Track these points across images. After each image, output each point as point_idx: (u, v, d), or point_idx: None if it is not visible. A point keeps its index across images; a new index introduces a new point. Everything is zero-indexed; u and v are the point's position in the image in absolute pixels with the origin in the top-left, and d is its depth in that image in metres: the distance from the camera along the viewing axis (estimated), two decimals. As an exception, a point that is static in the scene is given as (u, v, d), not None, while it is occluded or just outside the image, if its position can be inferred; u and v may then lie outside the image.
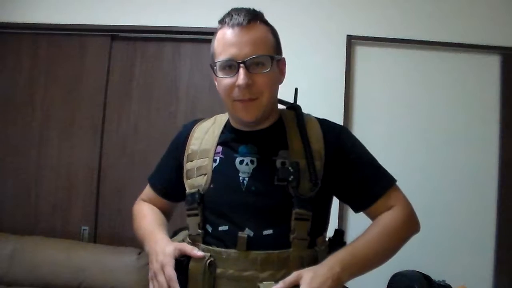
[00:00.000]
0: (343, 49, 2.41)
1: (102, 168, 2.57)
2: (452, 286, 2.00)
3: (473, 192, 2.36)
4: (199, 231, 0.99)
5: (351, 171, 1.00)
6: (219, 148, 1.03)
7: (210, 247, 0.96)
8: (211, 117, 1.13)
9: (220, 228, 0.97)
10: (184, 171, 1.05)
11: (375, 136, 2.32)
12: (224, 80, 0.96)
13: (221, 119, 1.10)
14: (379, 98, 2.42)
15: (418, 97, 2.42)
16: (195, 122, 1.13)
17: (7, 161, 2.62)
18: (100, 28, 2.58)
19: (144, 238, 1.06)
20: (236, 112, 0.98)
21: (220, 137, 1.05)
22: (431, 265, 2.10)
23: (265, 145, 1.00)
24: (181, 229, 1.13)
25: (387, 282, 2.05)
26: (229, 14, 0.97)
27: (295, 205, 0.93)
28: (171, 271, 0.91)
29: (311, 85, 2.27)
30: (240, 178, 0.98)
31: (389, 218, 0.98)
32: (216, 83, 1.02)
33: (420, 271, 2.03)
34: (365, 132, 2.28)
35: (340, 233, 1.05)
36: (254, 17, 0.96)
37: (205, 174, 1.00)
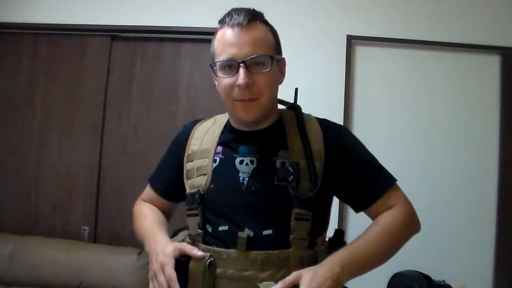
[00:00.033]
0: (343, 49, 2.41)
1: (102, 168, 2.57)
2: (452, 286, 2.00)
3: (473, 192, 2.36)
4: (199, 231, 0.99)
5: (351, 171, 1.00)
6: (219, 148, 1.03)
7: (210, 247, 0.96)
8: (211, 117, 1.14)
9: (220, 228, 0.97)
10: (184, 171, 1.06)
11: (375, 136, 2.32)
12: (224, 80, 0.96)
13: (221, 119, 1.10)
14: (379, 98, 2.42)
15: (418, 97, 2.42)
16: (195, 123, 1.13)
17: (7, 161, 2.62)
18: (100, 28, 2.58)
19: (144, 238, 1.06)
20: (236, 112, 0.98)
21: (220, 137, 1.05)
22: (431, 265, 2.10)
23: (265, 145, 1.00)
24: (181, 229, 1.13)
25: (387, 282, 2.05)
26: (229, 14, 0.97)
27: (295, 205, 0.93)
28: (171, 271, 0.91)
29: (311, 85, 2.27)
30: (240, 178, 0.98)
31: (389, 217, 0.98)
32: (216, 83, 1.02)
33: (420, 271, 2.03)
34: (365, 132, 2.28)
35: (340, 233, 1.05)
36: (254, 17, 0.96)
37: (205, 174, 1.01)
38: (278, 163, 0.95)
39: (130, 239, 2.34)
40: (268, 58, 0.95)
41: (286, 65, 1.05)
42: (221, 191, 0.98)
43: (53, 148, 2.60)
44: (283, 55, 1.03)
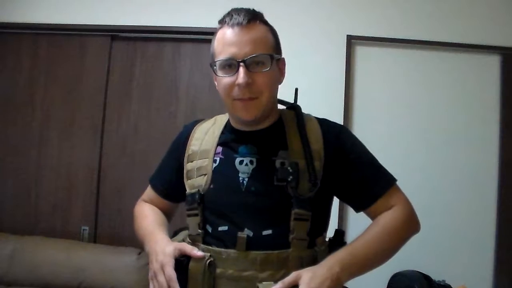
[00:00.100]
0: (343, 49, 2.41)
1: (102, 168, 2.58)
2: (452, 286, 2.00)
3: (473, 192, 2.36)
4: (199, 231, 0.99)
5: (351, 171, 1.00)
6: (219, 149, 1.03)
7: (210, 247, 0.96)
8: (211, 118, 1.14)
9: (220, 228, 0.97)
10: (185, 171, 1.06)
11: (375, 136, 2.32)
12: (224, 79, 0.96)
13: (221, 119, 1.10)
14: (379, 98, 2.42)
15: (418, 97, 2.42)
16: (195, 123, 1.13)
17: (7, 161, 2.62)
18: (100, 28, 2.58)
19: (145, 238, 1.06)
20: (236, 111, 0.98)
21: (220, 137, 1.05)
22: (431, 265, 2.10)
23: (264, 146, 1.00)
24: (181, 229, 1.13)
25: (387, 282, 2.05)
26: (229, 14, 0.97)
27: (294, 205, 0.93)
28: (171, 271, 0.91)
29: (311, 85, 2.27)
30: (240, 178, 0.98)
31: (389, 217, 0.98)
32: (216, 83, 1.03)
33: (420, 271, 2.03)
34: (365, 132, 2.28)
35: (340, 234, 1.05)
36: (254, 17, 0.97)
37: (205, 175, 1.01)
38: (277, 163, 0.95)
39: (130, 239, 2.34)
40: (268, 57, 0.96)
41: (286, 65, 1.06)
42: (221, 191, 0.99)
43: (53, 148, 2.60)
44: (283, 55, 1.04)
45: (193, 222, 1.00)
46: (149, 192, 1.20)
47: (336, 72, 2.40)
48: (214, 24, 1.02)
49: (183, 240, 1.04)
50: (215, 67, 0.97)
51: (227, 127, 1.07)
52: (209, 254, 0.94)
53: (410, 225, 1.00)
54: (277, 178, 0.94)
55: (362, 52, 2.44)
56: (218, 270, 0.93)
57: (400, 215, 0.98)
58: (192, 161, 1.05)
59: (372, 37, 2.41)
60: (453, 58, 2.42)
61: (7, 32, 2.66)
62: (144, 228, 1.09)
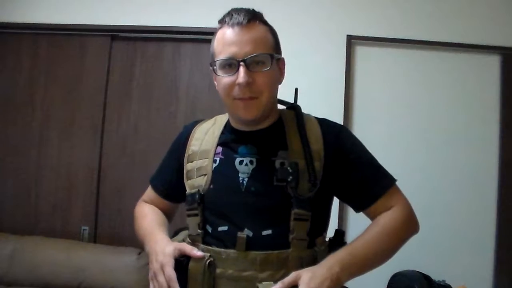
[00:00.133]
0: (343, 49, 2.41)
1: (102, 168, 2.58)
2: (452, 286, 2.00)
3: (473, 192, 2.36)
4: (199, 231, 0.99)
5: (351, 171, 1.00)
6: (219, 149, 1.03)
7: (209, 247, 0.96)
8: (211, 118, 1.14)
9: (220, 228, 0.97)
10: (185, 171, 1.06)
11: (375, 136, 2.32)
12: (224, 79, 0.96)
13: (221, 119, 1.10)
14: (379, 98, 2.42)
15: (418, 97, 2.42)
16: (195, 123, 1.13)
17: (7, 161, 2.62)
18: (100, 28, 2.58)
19: (145, 238, 1.07)
20: (236, 111, 0.98)
21: (220, 137, 1.05)
22: (431, 265, 2.10)
23: (264, 146, 1.00)
24: (181, 229, 1.13)
25: (387, 282, 2.05)
26: (229, 13, 0.97)
27: (294, 205, 0.93)
28: (170, 271, 0.91)
29: (311, 85, 2.27)
30: (240, 178, 0.98)
31: (388, 218, 0.98)
32: (216, 83, 1.03)
33: (420, 271, 2.03)
34: (365, 132, 2.28)
35: (340, 234, 1.05)
36: (254, 16, 0.97)
37: (205, 175, 1.01)
38: (277, 164, 0.95)
39: (130, 239, 2.34)
40: (268, 57, 0.96)
41: (286, 65, 1.06)
42: (221, 192, 0.99)
43: (53, 148, 2.60)
44: (283, 55, 1.04)
45: (193, 222, 1.00)
46: (149, 192, 1.20)
47: (336, 72, 2.40)
48: (214, 24, 1.02)
49: (183, 240, 1.04)
50: (215, 66, 0.97)
51: (227, 127, 1.07)
52: (209, 254, 0.94)
53: (409, 225, 1.01)
54: (277, 178, 0.94)
55: (362, 52, 2.44)
56: (218, 270, 0.93)
57: (399, 215, 0.98)
58: (192, 161, 1.05)
59: (372, 37, 2.41)
60: (453, 58, 2.42)
61: (7, 32, 2.66)
62: (144, 228, 1.10)
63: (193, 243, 1.00)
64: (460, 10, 2.42)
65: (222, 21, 0.98)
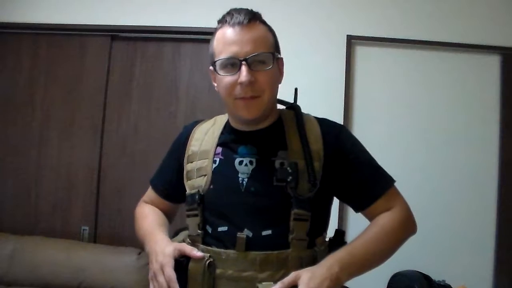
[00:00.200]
0: (343, 49, 2.41)
1: (102, 168, 2.58)
2: (452, 286, 2.00)
3: (473, 192, 2.36)
4: (199, 231, 0.99)
5: (350, 172, 1.00)
6: (219, 149, 1.03)
7: (209, 248, 0.96)
8: (211, 118, 1.14)
9: (220, 229, 0.97)
10: (185, 172, 1.06)
11: (375, 136, 2.32)
12: (225, 78, 0.96)
13: (221, 120, 1.10)
14: (379, 98, 2.42)
15: (418, 97, 2.42)
16: (195, 123, 1.13)
17: (7, 161, 2.62)
18: (100, 28, 2.58)
19: (145, 238, 1.07)
20: (237, 110, 0.98)
21: (219, 138, 1.05)
22: (431, 265, 2.10)
23: (264, 146, 1.00)
24: (181, 230, 1.13)
25: (387, 282, 2.05)
26: (229, 13, 0.97)
27: (293, 205, 0.93)
28: (170, 272, 0.91)
29: (311, 85, 2.27)
30: (240, 178, 0.98)
31: (387, 218, 0.98)
32: (215, 84, 1.03)
33: (420, 271, 2.03)
34: (365, 132, 2.28)
35: (340, 234, 1.05)
36: (254, 16, 0.97)
37: (205, 175, 1.01)
38: (277, 164, 0.95)
39: (130, 239, 2.34)
40: (270, 56, 0.96)
41: (286, 65, 1.06)
42: (221, 192, 0.99)
43: (53, 148, 2.60)
44: (283, 55, 1.04)
45: (193, 223, 1.00)
46: (149, 193, 1.20)
47: (336, 72, 2.40)
48: (214, 24, 1.02)
49: (183, 241, 1.04)
50: (215, 66, 0.97)
51: (227, 127, 1.07)
52: (208, 254, 0.94)
53: (407, 226, 1.01)
54: (277, 179, 0.94)
55: (362, 52, 2.44)
56: (218, 271, 0.93)
57: (398, 216, 0.99)
58: (192, 162, 1.05)
59: (372, 37, 2.41)
60: (453, 58, 2.42)
61: (7, 32, 2.66)
62: (145, 228, 1.10)
63: (193, 243, 1.00)
64: (460, 10, 2.42)
65: (222, 21, 0.98)
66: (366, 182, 1.00)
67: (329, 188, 1.00)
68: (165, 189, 1.16)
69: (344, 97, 2.39)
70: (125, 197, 2.51)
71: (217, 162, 1.01)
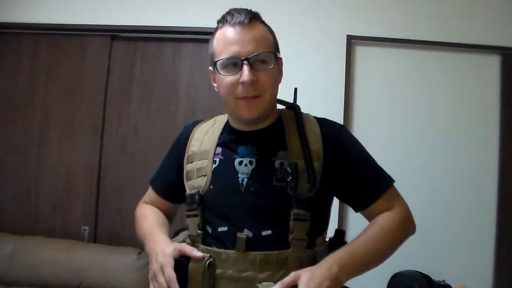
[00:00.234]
0: (343, 49, 2.41)
1: (102, 168, 2.58)
2: (452, 286, 2.00)
3: (473, 192, 2.36)
4: (199, 231, 0.99)
5: (350, 172, 1.00)
6: (219, 149, 1.03)
7: (209, 248, 0.96)
8: (211, 118, 1.14)
9: (220, 229, 0.97)
10: (184, 172, 1.06)
11: (375, 136, 2.32)
12: (227, 78, 0.96)
13: (221, 120, 1.10)
14: (379, 98, 2.42)
15: (418, 97, 2.42)
16: (195, 124, 1.13)
17: (7, 161, 2.62)
18: (100, 28, 2.58)
19: (145, 238, 1.07)
20: (239, 110, 0.98)
21: (219, 138, 1.05)
22: (431, 265, 2.10)
23: (264, 146, 1.00)
24: (182, 230, 1.14)
25: (387, 282, 2.05)
26: (230, 13, 0.98)
27: (293, 205, 0.93)
28: (170, 272, 0.91)
29: (311, 85, 2.27)
30: (239, 179, 0.98)
31: (386, 218, 0.98)
32: (215, 84, 1.03)
33: (420, 271, 2.03)
34: (365, 132, 2.28)
35: (340, 233, 1.05)
36: (254, 16, 0.97)
37: (204, 176, 1.01)
38: (277, 164, 0.95)
39: (130, 239, 2.34)
40: (271, 56, 0.96)
41: (286, 65, 1.06)
42: (221, 192, 0.99)
43: (53, 148, 2.60)
44: (283, 55, 1.04)
45: (193, 223, 1.00)
46: (150, 193, 1.20)
47: (336, 72, 2.40)
48: (213, 24, 1.02)
49: (183, 241, 1.04)
50: (215, 67, 0.97)
51: (226, 127, 1.07)
52: (208, 254, 0.94)
53: (407, 226, 1.01)
54: (277, 179, 0.94)
55: (362, 52, 2.44)
56: (218, 271, 0.93)
57: (397, 216, 0.99)
58: (191, 162, 1.05)
59: (372, 37, 2.41)
60: (453, 58, 2.42)
61: (7, 32, 2.66)
62: (145, 229, 1.10)
63: (193, 243, 1.00)
64: (460, 10, 2.42)
65: (222, 21, 0.98)
66: (365, 182, 1.00)
67: (329, 188, 1.00)
68: (165, 189, 1.16)
69: (344, 97, 2.39)
70: (125, 197, 2.51)
71: (217, 162, 1.01)
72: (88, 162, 2.57)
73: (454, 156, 2.38)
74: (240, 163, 0.99)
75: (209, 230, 0.98)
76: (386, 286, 2.05)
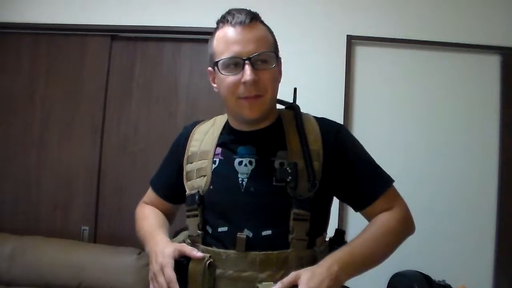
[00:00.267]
0: (343, 49, 2.41)
1: (102, 168, 2.57)
2: (452, 286, 2.00)
3: (473, 192, 2.36)
4: (199, 232, 0.99)
5: (350, 172, 1.00)
6: (218, 150, 1.03)
7: (209, 248, 0.96)
8: (210, 119, 1.14)
9: (220, 229, 0.97)
10: (184, 172, 1.06)
11: (375, 136, 2.32)
12: (228, 78, 0.95)
13: (221, 120, 1.10)
14: (379, 98, 2.42)
15: (418, 97, 2.41)
16: (195, 124, 1.13)
17: (7, 161, 2.62)
18: (100, 28, 2.58)
19: (145, 239, 1.07)
20: (240, 109, 0.98)
21: (219, 138, 1.05)
22: (431, 265, 2.10)
23: (263, 146, 1.00)
24: (182, 230, 1.14)
25: (387, 282, 2.05)
26: (230, 13, 0.98)
27: (293, 205, 0.93)
28: (170, 272, 0.91)
29: (311, 85, 2.27)
30: (239, 179, 0.98)
31: (386, 218, 0.99)
32: (215, 85, 1.03)
33: (420, 271, 2.03)
34: (365, 132, 2.28)
35: (340, 233, 1.05)
36: (254, 16, 0.97)
37: (204, 176, 1.01)
38: (276, 164, 0.95)
39: (130, 239, 2.34)
40: (272, 55, 0.97)
41: (287, 65, 1.07)
42: (221, 192, 0.99)
43: (53, 148, 2.60)
44: (283, 55, 1.04)
45: (193, 223, 1.00)
46: (150, 193, 1.20)
47: (336, 72, 2.40)
48: (213, 24, 1.02)
49: (183, 241, 1.04)
50: (216, 67, 0.97)
51: (226, 128, 1.07)
52: (208, 255, 0.94)
53: (406, 226, 1.01)
54: (276, 179, 0.94)
55: (362, 52, 2.44)
56: (218, 271, 0.93)
57: (396, 216, 0.99)
58: (191, 162, 1.05)
59: (372, 37, 2.41)
60: (453, 58, 2.42)
61: (7, 32, 2.65)
62: (145, 229, 1.10)
63: (193, 244, 1.00)
64: (460, 10, 2.42)
65: (222, 21, 0.98)
66: (365, 182, 1.01)
67: (328, 188, 1.00)
68: (165, 190, 1.16)
69: (344, 97, 2.39)
70: (125, 197, 2.51)
71: (217, 163, 1.01)
72: (88, 162, 2.57)
73: (454, 156, 2.37)
74: (240, 163, 0.99)
75: (209, 230, 0.98)
76: (386, 286, 2.05)
